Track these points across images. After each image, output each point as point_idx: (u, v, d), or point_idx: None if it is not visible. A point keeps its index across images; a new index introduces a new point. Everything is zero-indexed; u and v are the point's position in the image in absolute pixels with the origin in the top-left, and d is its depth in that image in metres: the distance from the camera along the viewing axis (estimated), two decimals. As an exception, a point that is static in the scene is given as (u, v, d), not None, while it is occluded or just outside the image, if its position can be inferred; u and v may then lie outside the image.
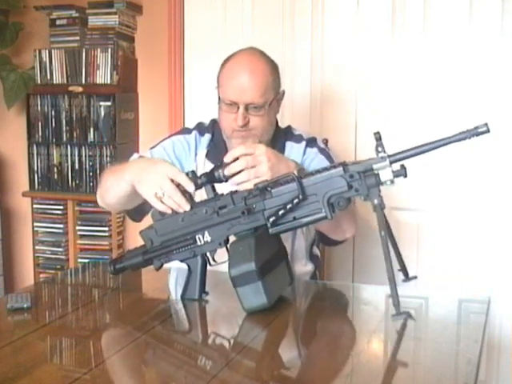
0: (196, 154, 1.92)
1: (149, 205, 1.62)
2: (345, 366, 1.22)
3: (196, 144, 1.92)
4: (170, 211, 1.53)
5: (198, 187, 1.52)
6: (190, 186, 1.51)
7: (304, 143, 1.91)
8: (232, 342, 1.39)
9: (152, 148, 1.92)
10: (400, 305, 1.33)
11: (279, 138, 1.92)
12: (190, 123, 2.04)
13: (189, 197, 1.53)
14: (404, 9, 2.67)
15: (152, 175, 1.56)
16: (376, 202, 1.37)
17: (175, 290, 1.69)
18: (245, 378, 1.17)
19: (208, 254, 1.55)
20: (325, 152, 1.92)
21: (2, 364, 1.20)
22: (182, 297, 1.56)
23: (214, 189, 1.52)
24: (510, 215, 2.61)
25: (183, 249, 1.55)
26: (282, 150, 1.89)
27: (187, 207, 1.52)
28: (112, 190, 1.72)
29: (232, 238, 1.51)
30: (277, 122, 1.96)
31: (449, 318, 1.49)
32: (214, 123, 1.95)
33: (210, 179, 1.51)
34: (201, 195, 1.56)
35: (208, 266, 1.56)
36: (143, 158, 1.84)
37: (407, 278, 1.50)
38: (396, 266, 1.46)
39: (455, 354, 1.30)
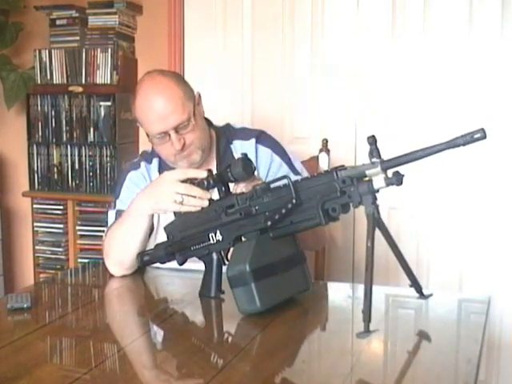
0: (151, 181, 1.86)
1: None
2: (345, 366, 1.22)
3: (148, 172, 1.89)
4: (198, 208, 1.56)
5: (210, 187, 1.55)
6: (201, 174, 1.56)
7: (253, 140, 1.86)
8: (231, 342, 1.39)
9: (117, 199, 1.91)
10: (370, 323, 1.27)
11: (221, 136, 1.89)
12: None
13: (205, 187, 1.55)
14: (404, 9, 2.67)
15: (163, 188, 1.60)
16: (368, 210, 1.30)
17: (172, 291, 1.70)
18: (244, 378, 1.17)
19: (222, 253, 1.56)
20: (277, 148, 1.87)
21: (2, 364, 1.20)
22: (200, 294, 1.57)
23: (228, 188, 1.54)
24: (509, 216, 2.61)
25: (198, 246, 1.57)
26: (227, 149, 1.86)
27: (208, 195, 1.55)
28: (131, 236, 1.72)
29: (244, 239, 1.51)
30: (211, 123, 1.91)
31: (449, 317, 1.49)
32: None
33: (221, 179, 1.53)
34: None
35: (223, 265, 1.56)
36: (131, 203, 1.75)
37: (422, 295, 1.44)
38: (399, 271, 1.45)
39: (455, 353, 1.30)
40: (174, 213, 1.61)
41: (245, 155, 1.53)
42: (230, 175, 1.51)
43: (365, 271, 1.28)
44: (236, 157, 1.79)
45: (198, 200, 1.55)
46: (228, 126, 1.93)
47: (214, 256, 1.56)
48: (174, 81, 1.77)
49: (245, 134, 1.89)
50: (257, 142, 1.86)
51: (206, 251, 1.56)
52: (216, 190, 1.55)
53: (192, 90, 1.81)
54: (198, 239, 1.57)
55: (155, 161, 1.89)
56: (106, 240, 1.79)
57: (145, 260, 1.71)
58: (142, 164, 1.91)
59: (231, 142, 1.87)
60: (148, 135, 1.79)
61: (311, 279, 1.53)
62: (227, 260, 1.56)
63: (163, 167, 1.86)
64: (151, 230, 1.77)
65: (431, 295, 1.46)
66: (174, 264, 1.66)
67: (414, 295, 1.47)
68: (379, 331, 1.32)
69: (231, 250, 1.53)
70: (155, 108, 1.72)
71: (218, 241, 1.54)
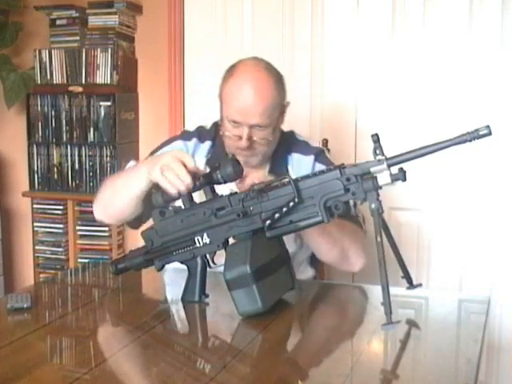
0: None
1: (146, 212, 1.64)
2: (345, 366, 1.22)
3: (194, 152, 1.86)
4: (173, 190, 1.49)
5: (196, 188, 1.51)
6: (190, 162, 1.51)
7: (313, 157, 1.83)
8: (230, 344, 1.38)
9: (152, 152, 1.88)
10: (392, 314, 1.28)
11: (282, 146, 1.84)
12: (190, 124, 2.03)
13: (189, 197, 1.53)
14: (404, 9, 2.67)
15: (162, 159, 1.55)
16: (373, 206, 1.32)
17: (171, 291, 1.70)
18: (242, 381, 1.17)
19: (207, 256, 1.54)
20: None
21: (2, 364, 1.20)
22: (182, 299, 1.55)
23: (213, 190, 1.51)
24: (509, 215, 2.61)
25: (182, 250, 1.54)
26: (285, 161, 1.83)
27: (187, 178, 1.47)
28: (124, 192, 1.69)
29: (232, 241, 1.49)
30: None
31: (449, 318, 1.49)
32: (217, 127, 1.87)
33: (209, 181, 1.50)
34: (201, 197, 1.55)
35: (208, 268, 1.55)
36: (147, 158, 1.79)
37: (412, 285, 1.46)
38: (398, 272, 1.45)
39: (455, 353, 1.30)
40: (153, 218, 1.57)
41: (233, 156, 1.51)
42: (220, 177, 1.48)
43: (379, 266, 1.28)
44: (290, 169, 1.81)
45: (176, 178, 1.48)
46: (292, 134, 1.90)
47: (199, 260, 1.53)
48: (275, 83, 1.75)
49: (305, 148, 1.85)
50: (315, 160, 1.83)
51: (191, 255, 1.53)
52: (200, 192, 1.51)
53: (284, 97, 1.79)
54: (183, 243, 1.53)
55: (208, 143, 1.87)
56: (107, 183, 1.80)
57: (119, 268, 1.64)
58: (194, 139, 1.88)
59: (290, 153, 1.84)
60: (221, 113, 1.77)
61: (295, 277, 1.53)
62: (213, 263, 1.54)
63: (213, 152, 1.84)
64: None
65: (420, 285, 1.48)
66: (174, 264, 1.65)
67: (413, 295, 1.47)
68: (378, 331, 1.31)
69: (217, 253, 1.51)
70: (244, 99, 1.69)
71: (205, 244, 1.50)
